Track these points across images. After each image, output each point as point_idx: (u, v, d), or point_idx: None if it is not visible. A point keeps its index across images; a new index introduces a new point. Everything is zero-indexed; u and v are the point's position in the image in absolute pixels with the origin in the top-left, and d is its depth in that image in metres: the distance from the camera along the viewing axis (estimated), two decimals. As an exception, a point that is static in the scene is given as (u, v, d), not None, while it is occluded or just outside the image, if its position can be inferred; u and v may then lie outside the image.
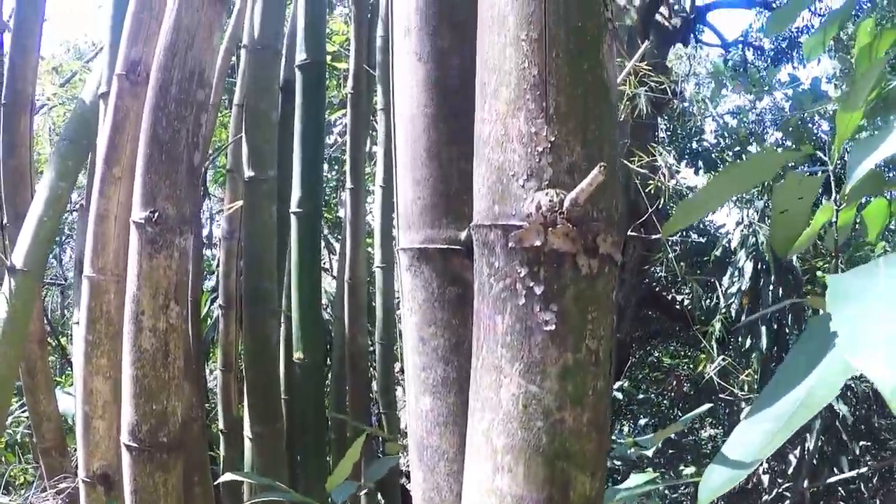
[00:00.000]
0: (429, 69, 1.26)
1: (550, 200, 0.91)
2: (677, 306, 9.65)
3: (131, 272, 1.82)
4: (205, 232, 7.45)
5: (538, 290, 0.93)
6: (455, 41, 1.24)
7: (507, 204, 0.96)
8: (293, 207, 2.78)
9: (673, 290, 9.90)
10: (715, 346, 7.02)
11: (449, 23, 1.26)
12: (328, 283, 6.58)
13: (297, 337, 2.84)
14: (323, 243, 6.69)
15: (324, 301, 6.53)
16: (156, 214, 1.73)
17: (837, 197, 1.55)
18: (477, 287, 1.00)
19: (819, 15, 13.56)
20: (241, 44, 3.44)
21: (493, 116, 0.99)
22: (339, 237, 5.93)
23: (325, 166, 8.33)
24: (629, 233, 5.99)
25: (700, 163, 9.25)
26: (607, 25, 0.97)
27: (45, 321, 3.88)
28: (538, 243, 0.93)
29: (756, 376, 7.50)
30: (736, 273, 7.42)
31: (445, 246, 1.21)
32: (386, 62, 3.98)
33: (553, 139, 0.94)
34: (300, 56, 2.74)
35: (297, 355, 2.84)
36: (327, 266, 6.99)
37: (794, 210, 1.66)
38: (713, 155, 8.82)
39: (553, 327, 0.92)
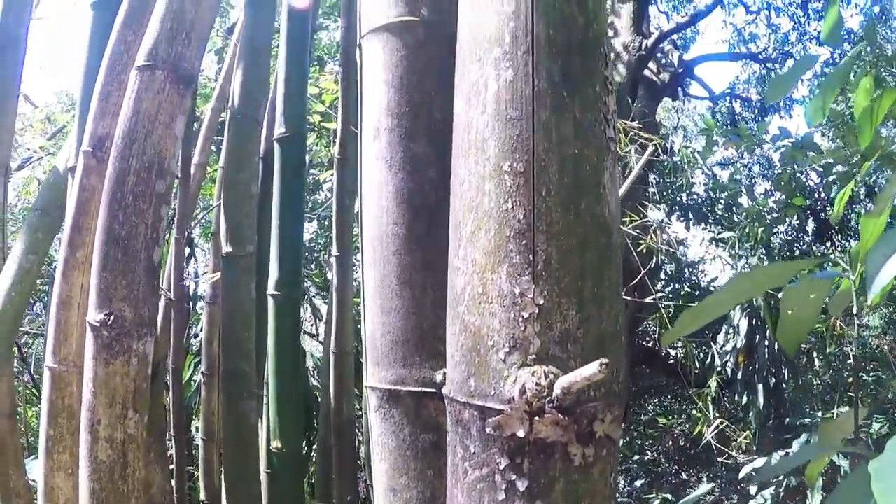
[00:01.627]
0: (400, 180, 1.11)
1: (537, 384, 0.75)
2: (671, 361, 9.50)
3: (87, 377, 1.67)
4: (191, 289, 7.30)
5: (521, 486, 0.77)
6: (432, 146, 1.09)
7: (484, 380, 0.79)
8: (270, 289, 2.64)
9: (667, 346, 9.75)
10: (711, 406, 6.86)
11: (426, 124, 1.11)
12: (315, 348, 6.43)
13: (274, 426, 2.68)
14: (309, 309, 6.54)
15: (310, 364, 6.38)
16: (111, 318, 1.59)
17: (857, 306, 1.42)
18: (450, 468, 0.84)
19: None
20: (230, 104, 3.34)
21: (470, 268, 0.83)
22: (327, 299, 5.79)
23: (315, 224, 8.22)
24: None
25: (691, 215, 9.18)
26: (609, 146, 0.83)
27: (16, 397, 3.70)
28: (521, 433, 0.77)
29: (752, 432, 7.35)
30: (731, 330, 7.30)
31: (418, 388, 1.06)
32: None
33: (542, 302, 0.78)
34: (279, 129, 2.62)
35: (275, 444, 2.68)
36: (313, 332, 6.82)
37: (804, 310, 1.56)
38: (704, 209, 8.75)
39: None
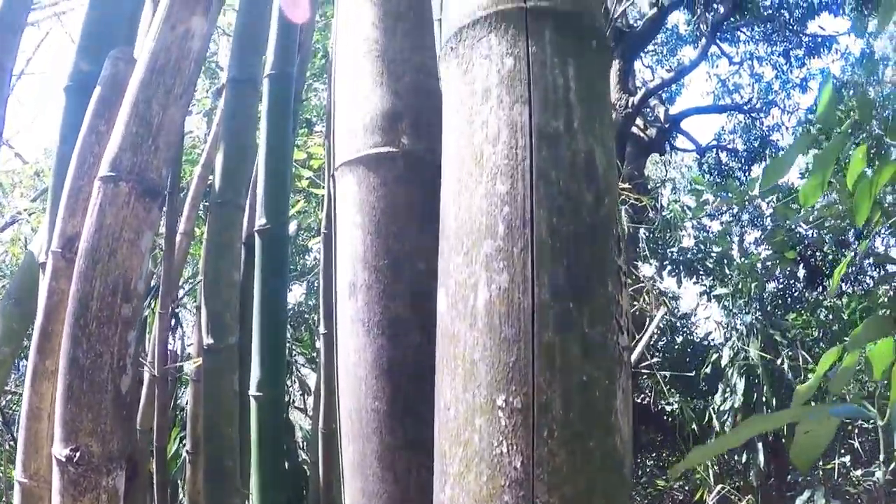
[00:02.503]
0: (380, 346, 0.98)
1: None
2: (666, 417, 9.35)
3: (53, 514, 1.54)
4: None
5: None
6: (416, 307, 0.97)
7: None
8: (252, 390, 2.52)
9: (662, 402, 9.60)
10: (711, 471, 6.72)
11: (408, 279, 0.99)
12: (305, 421, 6.28)
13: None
14: (297, 382, 6.40)
15: (299, 437, 6.21)
16: (77, 453, 1.46)
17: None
18: None
19: (788, 111, 13.83)
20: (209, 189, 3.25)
21: (457, 521, 0.69)
22: (314, 368, 5.66)
23: (304, 286, 8.10)
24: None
25: (682, 269, 9.12)
26: (622, 358, 0.71)
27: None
28: None
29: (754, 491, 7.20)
30: (728, 390, 7.18)
31: None
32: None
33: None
34: (259, 220, 2.53)
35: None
36: (301, 406, 6.67)
37: (820, 432, 1.48)
38: (695, 263, 8.69)
39: None
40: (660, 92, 10.54)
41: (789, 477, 7.68)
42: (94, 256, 1.49)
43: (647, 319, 5.84)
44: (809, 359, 6.70)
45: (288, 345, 6.27)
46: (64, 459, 1.50)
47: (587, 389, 0.70)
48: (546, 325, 0.71)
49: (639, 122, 9.11)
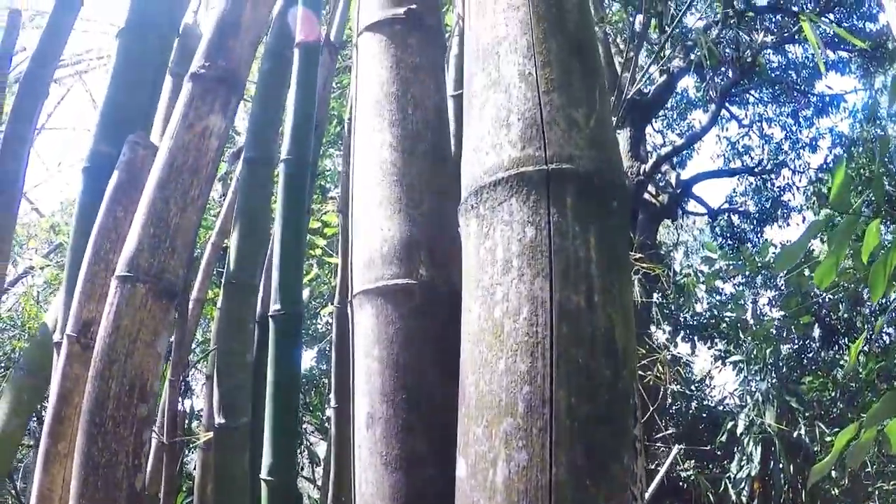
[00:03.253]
0: (397, 480, 0.99)
1: None
2: (682, 483, 9.18)
3: None
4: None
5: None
6: (432, 441, 0.98)
7: None
8: (263, 474, 2.51)
9: (677, 468, 9.44)
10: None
11: (425, 411, 1.00)
12: (313, 490, 6.21)
13: None
14: (306, 451, 6.35)
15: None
16: (90, 556, 1.46)
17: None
18: None
19: (798, 172, 13.85)
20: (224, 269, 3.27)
21: None
22: (324, 438, 5.61)
23: (315, 352, 8.09)
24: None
25: (695, 335, 9.06)
26: None
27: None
28: None
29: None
30: (744, 459, 7.07)
31: None
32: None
33: None
34: (274, 305, 2.55)
35: None
36: (308, 475, 6.61)
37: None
38: (708, 328, 8.63)
39: None
40: (671, 157, 10.63)
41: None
42: (111, 356, 1.51)
43: (662, 389, 5.77)
44: (826, 429, 6.60)
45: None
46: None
47: None
48: (564, 502, 0.72)
49: (650, 188, 9.16)
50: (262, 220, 2.94)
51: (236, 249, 2.89)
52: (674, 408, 9.62)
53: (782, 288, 8.86)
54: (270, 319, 2.56)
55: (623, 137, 8.77)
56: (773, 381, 7.38)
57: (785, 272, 7.69)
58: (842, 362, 9.01)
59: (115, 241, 2.17)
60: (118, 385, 1.49)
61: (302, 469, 6.59)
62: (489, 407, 0.81)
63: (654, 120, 11.69)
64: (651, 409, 5.04)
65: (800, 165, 13.79)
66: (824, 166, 12.79)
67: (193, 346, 6.24)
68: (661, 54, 7.93)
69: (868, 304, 9.38)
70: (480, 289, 0.89)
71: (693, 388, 9.82)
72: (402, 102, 1.30)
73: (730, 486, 7.12)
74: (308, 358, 8.08)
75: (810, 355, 10.29)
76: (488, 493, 0.76)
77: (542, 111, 0.94)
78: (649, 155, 9.41)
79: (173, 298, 1.56)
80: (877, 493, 7.35)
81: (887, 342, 9.97)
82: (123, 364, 1.49)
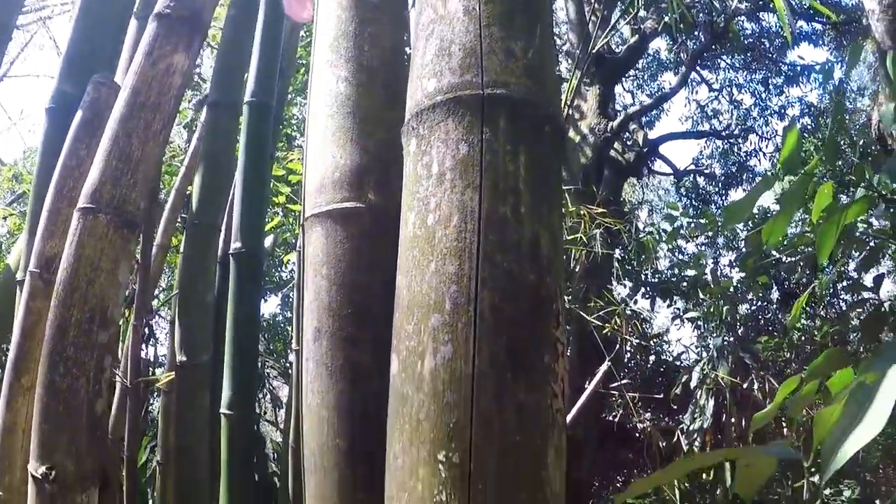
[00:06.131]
0: (341, 391, 1.08)
1: None
2: (637, 435, 9.44)
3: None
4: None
5: None
6: (377, 355, 1.06)
7: None
8: (223, 408, 2.58)
9: (635, 419, 9.69)
10: (678, 490, 6.79)
11: (371, 329, 1.07)
12: (276, 433, 6.31)
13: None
14: (269, 395, 6.42)
15: (269, 449, 6.22)
16: (53, 472, 1.52)
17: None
18: None
19: (766, 138, 14.03)
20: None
21: None
22: (287, 381, 5.68)
23: (279, 298, 8.11)
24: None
25: (655, 293, 9.23)
26: (556, 420, 0.79)
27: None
28: None
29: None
30: (697, 411, 7.28)
31: None
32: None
33: None
34: (235, 244, 2.58)
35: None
36: (272, 419, 6.68)
37: (760, 463, 1.56)
38: (669, 286, 8.80)
39: None
40: (639, 117, 10.70)
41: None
42: (73, 285, 1.55)
43: (619, 341, 5.92)
44: (777, 385, 6.80)
45: (260, 357, 6.29)
46: (40, 477, 1.55)
47: (520, 448, 0.78)
48: (484, 391, 0.79)
49: (617, 146, 9.24)
50: (225, 164, 2.96)
51: (199, 191, 2.92)
52: (632, 362, 9.85)
53: (743, 249, 9.06)
54: (231, 258, 2.61)
55: (592, 95, 8.82)
56: (730, 338, 7.58)
57: (745, 232, 7.86)
58: (798, 326, 9.25)
59: (78, 178, 2.18)
60: (80, 312, 1.53)
61: (265, 413, 6.68)
62: (420, 305, 0.87)
63: (624, 79, 11.73)
64: (608, 359, 5.17)
65: (767, 132, 13.96)
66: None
67: (159, 293, 6.25)
68: (631, 11, 7.94)
69: (828, 270, 9.62)
70: (416, 200, 0.95)
71: (651, 342, 10.05)
72: (359, 40, 1.34)
73: (681, 437, 7.33)
74: (272, 305, 8.13)
75: (768, 316, 10.56)
76: (416, 383, 0.83)
77: (482, 42, 1.00)
78: (618, 114, 9.47)
79: (134, 229, 1.60)
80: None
81: (843, 308, 10.25)
82: (85, 292, 1.54)
